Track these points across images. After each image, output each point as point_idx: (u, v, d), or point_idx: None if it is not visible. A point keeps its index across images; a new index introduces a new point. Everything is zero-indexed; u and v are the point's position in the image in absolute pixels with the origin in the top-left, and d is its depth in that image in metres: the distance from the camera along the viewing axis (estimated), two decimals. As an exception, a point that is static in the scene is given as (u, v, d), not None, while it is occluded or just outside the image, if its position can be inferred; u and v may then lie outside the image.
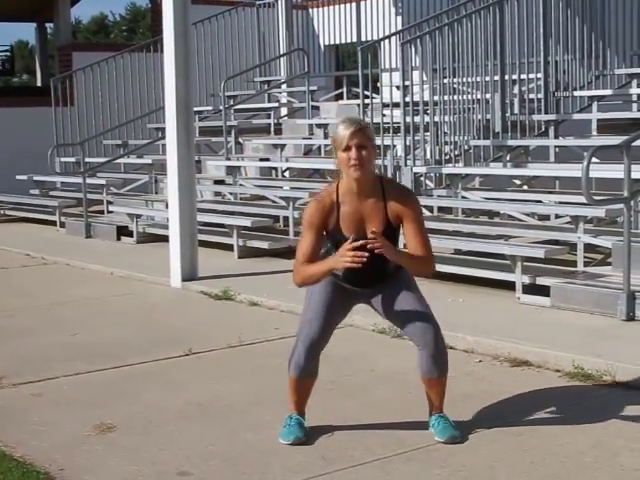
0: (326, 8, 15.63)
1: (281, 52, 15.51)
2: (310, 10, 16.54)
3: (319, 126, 12.62)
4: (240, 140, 13.29)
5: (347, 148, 4.31)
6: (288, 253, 9.32)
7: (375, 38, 12.58)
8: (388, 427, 4.69)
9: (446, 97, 9.83)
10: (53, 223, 13.08)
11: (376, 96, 10.66)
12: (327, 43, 16.16)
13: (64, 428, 4.85)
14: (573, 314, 6.69)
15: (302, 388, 4.59)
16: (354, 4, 14.84)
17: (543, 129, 10.08)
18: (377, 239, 4.24)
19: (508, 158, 9.81)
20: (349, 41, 15.21)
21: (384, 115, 10.21)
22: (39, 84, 22.92)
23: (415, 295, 4.55)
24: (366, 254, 4.21)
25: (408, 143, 9.72)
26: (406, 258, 4.47)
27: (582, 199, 6.92)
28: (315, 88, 13.57)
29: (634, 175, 6.75)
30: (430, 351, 4.46)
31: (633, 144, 6.74)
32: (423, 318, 4.47)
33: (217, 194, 12.39)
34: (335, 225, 4.42)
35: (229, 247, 9.95)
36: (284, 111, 14.57)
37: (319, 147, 12.52)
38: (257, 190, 11.66)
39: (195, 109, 10.78)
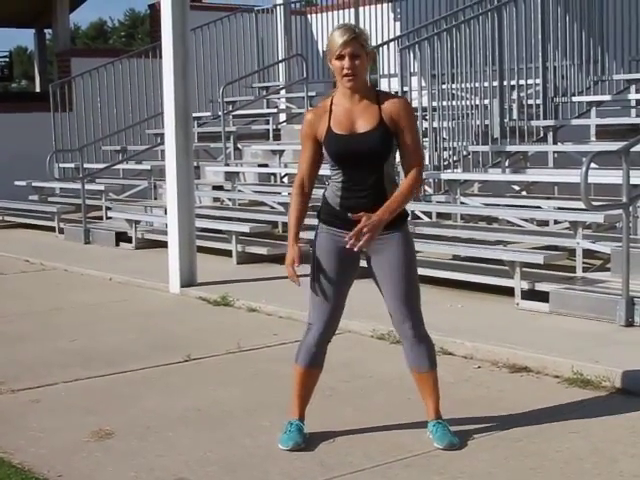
0: (324, 14, 15.62)
1: (280, 58, 15.53)
2: (309, 16, 16.55)
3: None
4: (239, 146, 13.29)
5: (340, 57, 4.30)
6: (287, 259, 9.32)
7: (374, 44, 12.57)
8: (387, 433, 4.69)
9: (445, 103, 9.84)
10: (52, 229, 13.07)
11: (375, 102, 10.64)
12: (326, 49, 16.17)
13: (63, 434, 4.84)
14: (572, 320, 6.69)
15: (309, 381, 4.57)
16: (352, 10, 14.84)
17: (542, 135, 10.08)
18: (364, 229, 4.18)
19: (507, 164, 9.82)
20: (348, 47, 15.19)
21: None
22: (38, 90, 22.90)
23: (404, 275, 4.40)
24: (299, 285, 4.35)
25: (407, 149, 9.70)
26: (398, 206, 4.32)
27: (581, 205, 6.93)
28: (314, 94, 13.56)
29: (633, 181, 6.76)
30: (410, 342, 4.47)
31: (632, 150, 6.74)
32: (403, 307, 4.42)
33: (216, 200, 12.39)
34: (327, 127, 4.37)
35: (228, 253, 9.95)
36: (283, 117, 14.58)
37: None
38: (256, 196, 11.66)
39: (194, 115, 10.79)
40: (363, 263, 4.53)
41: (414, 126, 4.43)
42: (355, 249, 4.24)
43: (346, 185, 4.37)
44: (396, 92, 10.30)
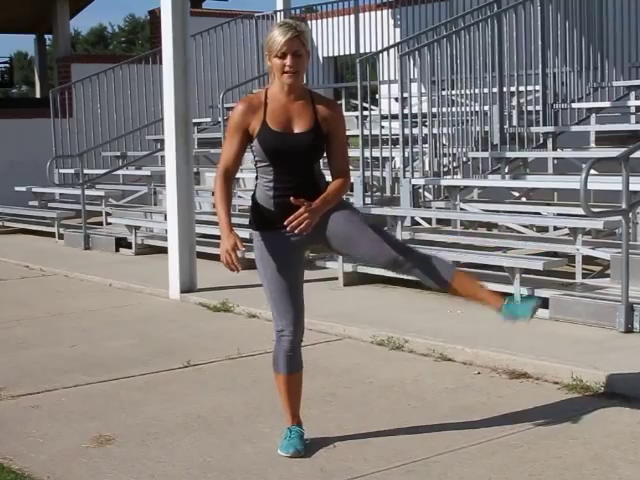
0: (325, 20, 15.64)
1: (280, 64, 15.50)
2: (309, 22, 16.55)
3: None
4: (239, 152, 13.26)
5: (282, 55, 4.28)
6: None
7: (374, 50, 12.61)
8: (388, 439, 4.69)
9: (444, 109, 9.85)
10: (52, 235, 13.07)
11: (375, 108, 10.67)
12: (326, 55, 16.19)
13: (62, 440, 4.84)
14: (571, 326, 6.69)
15: (295, 385, 4.57)
16: (353, 16, 14.85)
17: (541, 141, 10.09)
18: (304, 215, 4.21)
19: (506, 170, 9.82)
20: (348, 53, 15.23)
21: (383, 127, 10.22)
22: (38, 95, 22.97)
23: (357, 220, 4.45)
24: (238, 271, 4.42)
25: (407, 155, 9.73)
26: (332, 200, 4.37)
27: (580, 211, 6.93)
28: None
29: (632, 187, 6.76)
30: (417, 261, 4.44)
31: (631, 156, 6.75)
32: (381, 244, 4.41)
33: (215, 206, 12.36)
34: (262, 121, 4.35)
35: (228, 259, 9.92)
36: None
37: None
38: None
39: (194, 121, 10.79)
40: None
41: (345, 131, 4.49)
42: (296, 232, 4.26)
43: (278, 184, 4.39)
44: (396, 98, 10.35)
